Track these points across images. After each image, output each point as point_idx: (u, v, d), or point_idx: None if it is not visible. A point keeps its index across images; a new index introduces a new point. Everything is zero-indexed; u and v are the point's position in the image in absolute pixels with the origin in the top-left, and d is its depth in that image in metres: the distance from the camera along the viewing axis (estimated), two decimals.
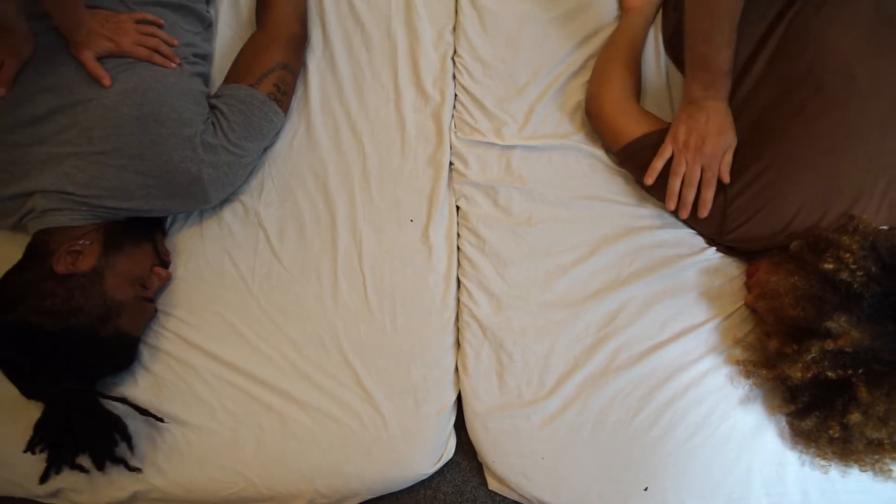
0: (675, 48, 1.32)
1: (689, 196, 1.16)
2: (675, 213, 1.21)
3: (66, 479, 1.14)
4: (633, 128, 1.20)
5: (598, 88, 1.26)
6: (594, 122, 1.27)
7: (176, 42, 1.25)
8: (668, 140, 1.17)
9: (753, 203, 1.11)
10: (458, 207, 1.30)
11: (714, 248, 1.22)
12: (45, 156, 1.12)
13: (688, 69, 1.14)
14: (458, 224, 1.30)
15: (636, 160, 1.21)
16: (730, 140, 1.14)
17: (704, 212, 1.14)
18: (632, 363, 1.16)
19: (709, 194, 1.14)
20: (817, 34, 1.12)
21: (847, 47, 1.11)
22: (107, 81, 1.13)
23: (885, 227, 1.05)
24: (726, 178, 1.12)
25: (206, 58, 1.36)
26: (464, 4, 1.42)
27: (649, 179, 1.18)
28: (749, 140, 1.13)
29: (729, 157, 1.13)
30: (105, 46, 1.16)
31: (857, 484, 1.09)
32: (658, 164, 1.17)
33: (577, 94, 1.32)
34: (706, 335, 1.18)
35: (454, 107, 1.37)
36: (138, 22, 1.21)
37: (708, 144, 1.14)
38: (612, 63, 1.27)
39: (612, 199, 1.26)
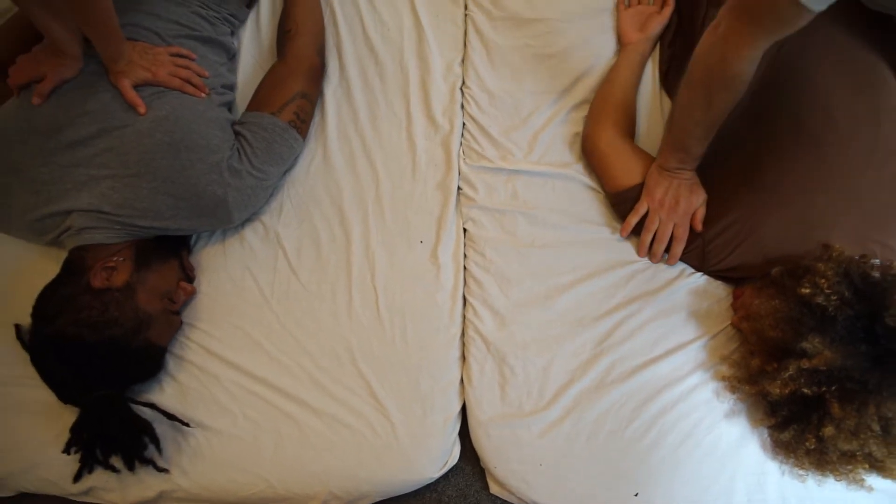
0: (668, 81, 1.41)
1: (659, 250, 1.26)
2: None
3: (98, 479, 1.20)
4: (622, 176, 1.29)
5: (594, 128, 1.33)
6: (589, 159, 1.35)
7: (207, 74, 1.32)
8: (644, 198, 1.26)
9: (730, 243, 1.20)
10: (465, 230, 1.36)
11: (702, 273, 1.28)
12: (83, 177, 1.19)
13: (667, 144, 1.23)
14: (465, 245, 1.35)
15: (621, 209, 1.30)
16: (701, 197, 1.23)
17: (673, 262, 1.24)
18: (625, 377, 1.22)
19: (678, 249, 1.24)
20: (799, 76, 1.20)
21: (827, 89, 1.19)
22: (142, 109, 1.21)
23: (857, 256, 1.11)
24: (699, 228, 1.22)
25: (232, 87, 1.44)
26: (472, 38, 1.50)
27: (623, 233, 1.28)
28: (728, 182, 1.21)
29: (702, 212, 1.22)
30: (142, 76, 1.23)
31: (833, 493, 1.14)
32: (632, 220, 1.27)
33: (577, 126, 1.40)
34: (695, 352, 1.24)
35: (462, 135, 1.43)
36: (173, 55, 1.29)
37: (682, 204, 1.23)
38: (608, 103, 1.34)
39: (609, 225, 1.32)
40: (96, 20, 1.14)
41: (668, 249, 1.27)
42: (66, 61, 1.21)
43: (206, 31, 1.40)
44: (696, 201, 1.24)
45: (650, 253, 1.27)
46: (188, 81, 1.28)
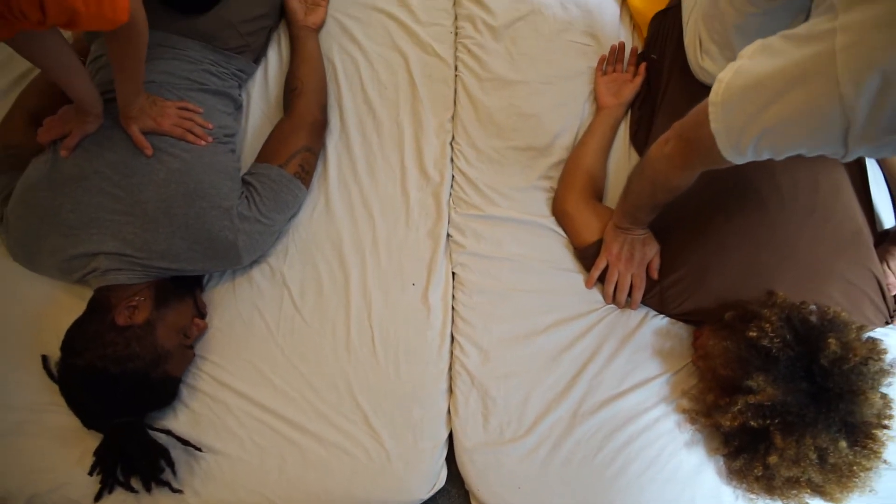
0: (637, 139, 1.55)
1: (622, 298, 1.39)
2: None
3: (117, 498, 1.27)
4: (585, 233, 1.42)
5: (563, 192, 1.47)
6: (558, 218, 1.48)
7: (210, 125, 1.42)
8: (604, 254, 1.39)
9: (685, 291, 1.33)
10: (454, 273, 1.47)
11: (664, 315, 1.40)
12: (107, 223, 1.30)
13: (621, 209, 1.35)
14: (453, 288, 1.46)
15: (585, 263, 1.43)
16: (654, 248, 1.36)
17: (635, 307, 1.37)
18: (596, 409, 1.33)
19: (638, 296, 1.37)
20: None
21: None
22: (148, 151, 1.32)
23: (798, 303, 1.24)
24: (655, 276, 1.35)
25: (235, 135, 1.54)
26: (461, 97, 1.62)
27: (588, 286, 1.42)
28: (682, 237, 1.34)
29: (656, 261, 1.35)
30: (148, 124, 1.34)
31: None
32: (595, 274, 1.41)
33: (554, 181, 1.52)
34: (658, 387, 1.35)
35: (452, 186, 1.54)
36: (180, 108, 1.40)
37: (636, 256, 1.36)
38: (578, 168, 1.47)
39: (583, 273, 1.45)
40: (131, 69, 1.26)
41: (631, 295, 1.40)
42: (89, 119, 1.33)
43: (215, 84, 1.51)
44: (649, 253, 1.37)
45: (614, 300, 1.41)
46: (190, 131, 1.38)
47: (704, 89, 1.08)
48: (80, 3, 0.96)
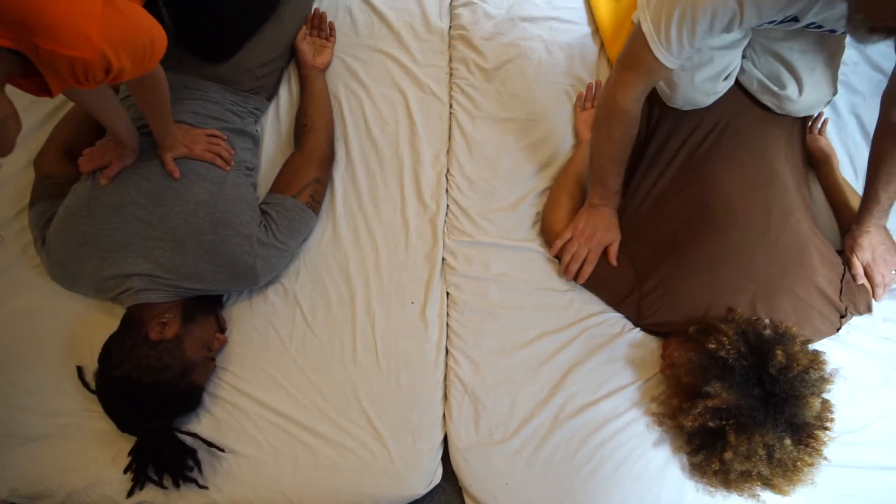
0: None
1: (573, 268, 1.54)
2: (611, 304, 1.57)
3: (147, 494, 1.38)
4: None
5: (550, 213, 1.62)
6: (545, 236, 1.62)
7: (233, 150, 1.57)
8: (570, 226, 1.55)
9: (658, 300, 1.47)
10: (448, 293, 1.59)
11: (639, 329, 1.55)
12: (141, 247, 1.44)
13: (591, 183, 1.51)
14: (447, 306, 1.58)
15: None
16: (615, 235, 1.52)
17: (581, 281, 1.53)
18: (574, 414, 1.45)
19: (587, 270, 1.52)
20: (707, 173, 1.50)
21: (729, 183, 1.49)
22: (177, 174, 1.47)
23: (754, 318, 1.39)
24: (613, 262, 1.51)
25: (255, 169, 1.69)
26: (455, 133, 1.77)
27: (552, 253, 1.57)
28: (655, 256, 1.49)
29: (614, 248, 1.51)
30: (182, 151, 1.49)
31: None
32: (558, 244, 1.56)
33: (539, 207, 1.66)
34: (631, 393, 1.47)
35: (446, 214, 1.67)
36: (208, 136, 1.55)
37: (598, 235, 1.52)
38: (562, 192, 1.62)
39: (565, 290, 1.58)
40: (158, 108, 1.40)
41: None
42: (127, 152, 1.47)
43: (236, 123, 1.67)
44: (609, 237, 1.53)
45: (567, 270, 1.55)
46: (219, 155, 1.54)
47: None
48: (135, 68, 1.11)
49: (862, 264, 1.52)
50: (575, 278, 1.56)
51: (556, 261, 1.61)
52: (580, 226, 1.55)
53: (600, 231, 1.53)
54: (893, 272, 1.54)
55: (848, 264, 1.52)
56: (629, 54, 1.29)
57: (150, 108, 1.40)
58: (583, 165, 1.67)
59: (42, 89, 1.09)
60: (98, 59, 1.00)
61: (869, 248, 1.52)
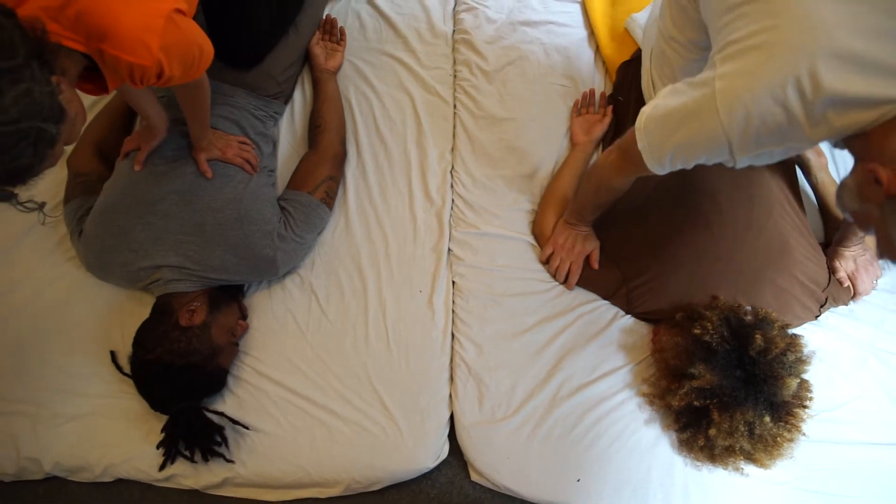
0: None
1: (560, 278, 1.64)
2: (603, 298, 1.66)
3: (177, 468, 1.48)
4: None
5: (541, 216, 1.71)
6: (536, 238, 1.72)
7: (259, 158, 1.69)
8: (551, 241, 1.65)
9: (647, 291, 1.57)
10: (454, 282, 1.69)
11: (630, 316, 1.65)
12: (171, 241, 1.54)
13: (571, 208, 1.60)
14: (453, 294, 1.67)
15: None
16: (593, 243, 1.61)
17: (570, 288, 1.63)
18: (571, 394, 1.54)
19: (573, 280, 1.61)
20: (694, 174, 1.55)
21: (714, 182, 1.58)
22: (209, 174, 1.58)
23: (736, 305, 1.48)
24: (595, 266, 1.60)
25: (274, 171, 1.80)
26: (459, 132, 1.86)
27: (541, 260, 1.65)
28: (643, 250, 1.59)
29: (595, 254, 1.61)
30: (216, 154, 1.60)
31: (721, 477, 1.47)
32: (543, 257, 1.66)
33: (536, 203, 1.76)
34: (623, 375, 1.57)
35: (452, 208, 1.76)
36: (240, 142, 1.67)
37: (577, 246, 1.61)
38: (554, 196, 1.71)
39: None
40: (198, 111, 1.51)
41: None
42: (155, 133, 1.59)
43: (259, 128, 1.78)
44: (588, 247, 1.62)
45: (555, 278, 1.66)
46: (248, 161, 1.65)
47: None
48: (184, 76, 1.22)
49: (847, 274, 1.62)
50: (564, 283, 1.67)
51: None
52: (559, 241, 1.64)
53: (579, 243, 1.63)
54: (874, 282, 1.66)
55: (832, 273, 1.61)
56: (628, 151, 1.25)
57: (191, 111, 1.51)
58: (576, 170, 1.76)
59: (98, 90, 1.22)
60: (154, 67, 1.14)
61: (851, 258, 1.62)
